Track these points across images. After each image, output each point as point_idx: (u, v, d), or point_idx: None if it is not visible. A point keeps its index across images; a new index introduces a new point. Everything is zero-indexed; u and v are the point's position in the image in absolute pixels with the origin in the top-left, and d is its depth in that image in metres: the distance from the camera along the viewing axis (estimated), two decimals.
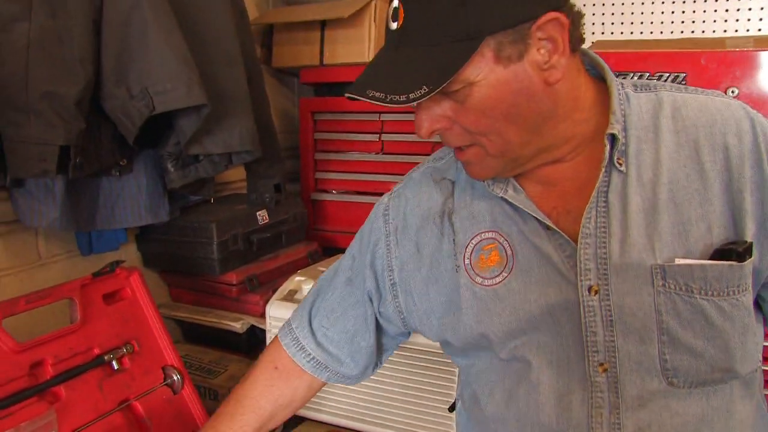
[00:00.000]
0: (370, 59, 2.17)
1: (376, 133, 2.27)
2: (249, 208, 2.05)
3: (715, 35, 2.25)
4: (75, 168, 1.50)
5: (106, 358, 1.45)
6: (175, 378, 1.56)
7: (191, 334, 2.15)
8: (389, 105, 0.89)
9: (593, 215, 0.98)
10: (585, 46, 1.05)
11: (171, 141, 1.66)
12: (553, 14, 0.90)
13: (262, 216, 2.05)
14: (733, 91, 1.69)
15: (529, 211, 1.02)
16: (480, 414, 1.13)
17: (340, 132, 2.34)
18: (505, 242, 1.04)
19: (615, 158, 0.98)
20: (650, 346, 0.96)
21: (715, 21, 2.26)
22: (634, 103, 1.03)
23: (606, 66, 1.05)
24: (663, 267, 0.95)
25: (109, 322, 1.50)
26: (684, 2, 2.26)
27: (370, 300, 1.22)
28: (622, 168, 0.99)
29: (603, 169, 0.98)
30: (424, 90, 0.87)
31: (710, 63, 1.73)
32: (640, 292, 0.96)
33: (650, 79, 1.74)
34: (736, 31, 2.23)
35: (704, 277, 0.94)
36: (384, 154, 2.28)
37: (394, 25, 0.94)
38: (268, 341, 1.79)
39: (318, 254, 2.30)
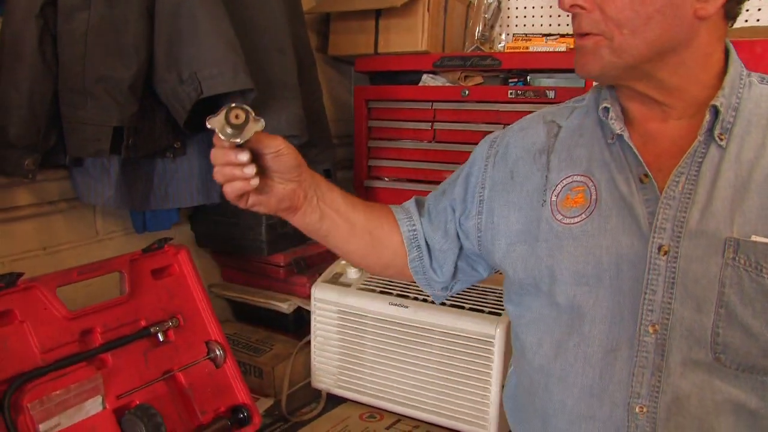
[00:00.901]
0: (423, 48, 2.21)
1: (429, 121, 2.29)
2: None
3: (760, 23, 2.18)
4: (128, 148, 1.58)
5: (152, 330, 1.53)
6: (218, 352, 1.63)
7: (241, 313, 2.23)
8: None
9: (682, 180, 0.99)
10: None
11: None
12: None
13: None
14: None
15: (638, 156, 1.03)
16: (527, 366, 1.16)
17: (394, 120, 2.37)
18: (593, 187, 1.07)
19: (716, 133, 0.99)
20: (705, 316, 0.96)
21: (758, 9, 2.18)
22: (756, 92, 1.03)
23: (734, 51, 1.06)
24: (737, 240, 0.95)
25: (156, 295, 1.58)
26: None
27: (453, 210, 1.26)
28: (723, 143, 0.99)
29: (699, 138, 0.99)
30: None
31: (766, 52, 1.70)
32: (709, 261, 0.96)
33: None
34: None
35: None
36: (436, 142, 2.29)
37: None
38: (313, 322, 1.85)
39: None
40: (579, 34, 1.03)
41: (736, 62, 1.04)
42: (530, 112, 2.07)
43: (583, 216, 1.06)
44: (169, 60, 1.56)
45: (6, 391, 1.26)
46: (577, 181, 1.09)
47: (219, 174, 1.04)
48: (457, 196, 1.26)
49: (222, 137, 0.97)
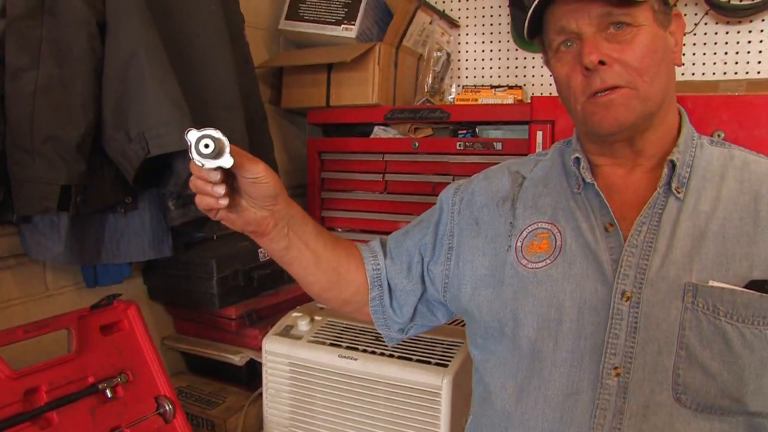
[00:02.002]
0: (374, 101, 2.26)
1: (380, 173, 2.34)
2: (251, 244, 2.11)
3: (714, 77, 2.28)
4: (76, 206, 1.59)
5: (100, 386, 1.53)
6: (167, 408, 1.63)
7: (195, 365, 2.22)
8: None
9: (644, 230, 1.05)
10: None
11: (171, 181, 1.74)
12: (679, 12, 1.12)
13: (264, 253, 2.11)
14: (719, 135, 1.71)
15: (606, 205, 1.09)
16: (490, 410, 1.18)
17: (346, 171, 2.42)
18: (558, 234, 1.12)
19: (674, 186, 1.06)
20: (667, 358, 1.00)
21: (714, 63, 2.29)
22: (707, 152, 1.12)
23: (685, 112, 1.17)
24: (696, 286, 1.00)
25: (105, 352, 1.58)
26: (683, 45, 2.29)
27: (421, 255, 1.29)
28: (680, 196, 1.06)
29: (658, 190, 1.06)
30: None
31: (697, 107, 1.76)
32: (669, 306, 1.01)
33: None
34: (735, 73, 2.26)
35: (733, 302, 0.99)
36: (387, 193, 2.34)
37: None
38: (264, 375, 1.85)
39: None
40: (602, 90, 1.06)
41: (687, 124, 1.14)
42: (479, 163, 2.15)
43: (548, 261, 1.11)
44: (117, 119, 1.58)
45: None
46: (542, 227, 1.14)
47: (192, 184, 1.03)
48: (427, 242, 1.29)
49: (194, 159, 0.96)
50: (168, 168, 1.72)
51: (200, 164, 0.96)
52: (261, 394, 1.91)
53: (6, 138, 1.52)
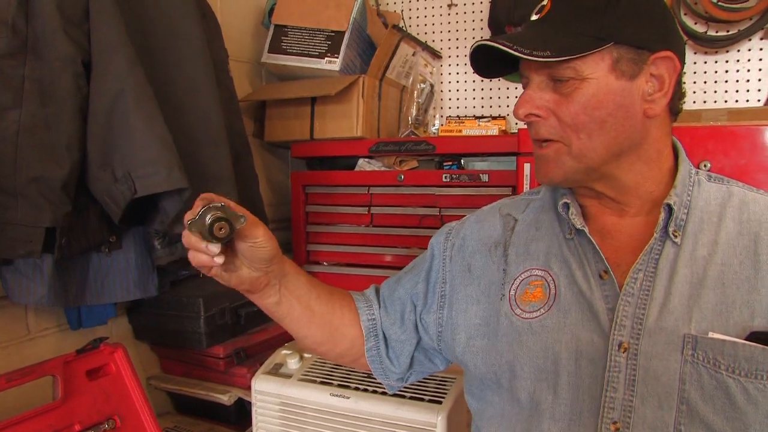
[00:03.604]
0: (359, 134, 2.25)
1: (366, 206, 2.32)
2: None
3: (695, 106, 2.30)
4: (61, 248, 1.56)
5: None
6: None
7: (182, 405, 2.18)
8: (515, 54, 0.98)
9: (640, 277, 1.02)
10: None
11: (157, 220, 1.71)
12: (670, 53, 1.01)
13: None
14: (705, 165, 1.72)
15: (599, 252, 1.05)
16: None
17: (331, 205, 2.40)
18: (552, 282, 1.09)
19: (671, 230, 1.03)
20: (667, 413, 0.96)
21: (694, 92, 2.32)
22: (705, 189, 1.08)
23: (681, 146, 1.12)
24: (695, 337, 0.97)
25: (91, 397, 1.54)
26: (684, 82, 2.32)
27: (414, 304, 1.26)
28: (677, 240, 1.03)
29: (655, 235, 1.03)
30: (548, 54, 0.97)
31: (683, 137, 1.75)
32: (668, 358, 0.97)
33: None
34: (715, 102, 2.29)
35: (734, 355, 0.95)
36: (373, 226, 2.32)
37: (535, 17, 1.05)
38: (254, 414, 1.82)
39: None
40: (538, 142, 1.07)
41: (685, 160, 1.10)
42: (465, 195, 2.14)
43: (543, 311, 1.08)
44: (103, 159, 1.56)
45: None
46: (535, 275, 1.11)
47: (186, 240, 1.00)
48: (419, 291, 1.26)
49: (199, 241, 0.94)
50: (154, 206, 1.69)
51: (214, 246, 0.94)
52: None
53: None
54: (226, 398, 1.99)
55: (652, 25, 1.01)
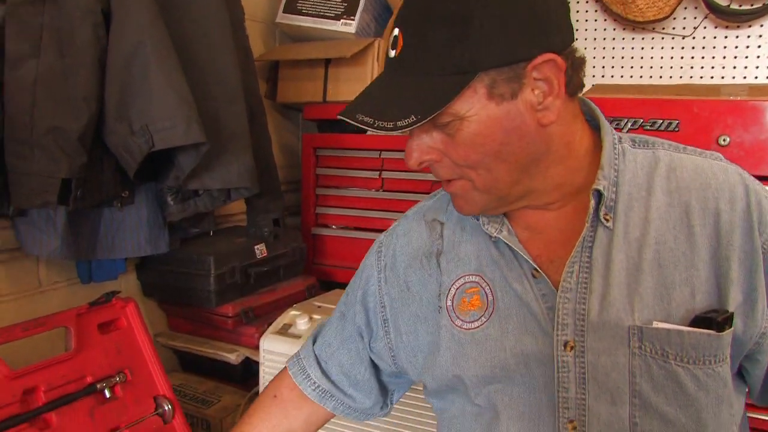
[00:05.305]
0: None
1: (377, 170, 2.31)
2: (248, 241, 2.09)
3: (713, 81, 2.29)
4: (76, 200, 1.55)
5: (98, 386, 1.48)
6: (166, 408, 1.59)
7: (188, 363, 2.18)
8: (377, 131, 0.89)
9: (575, 269, 0.97)
10: (585, 89, 1.05)
11: (171, 175, 1.70)
12: (549, 56, 0.90)
13: (261, 250, 2.08)
14: (724, 139, 1.71)
15: (522, 254, 1.00)
16: None
17: (342, 168, 2.39)
18: (488, 287, 1.04)
19: (601, 214, 0.97)
20: (621, 408, 0.94)
21: (713, 67, 2.29)
22: (630, 159, 1.02)
23: (603, 118, 1.04)
24: (641, 329, 0.93)
25: (103, 351, 1.54)
26: (683, 48, 2.30)
27: (361, 336, 1.22)
28: (609, 224, 0.97)
29: (588, 224, 0.97)
30: (412, 119, 0.87)
31: (702, 111, 1.76)
32: (616, 353, 0.94)
33: (644, 126, 1.77)
34: (733, 78, 2.27)
35: (681, 344, 0.92)
36: (384, 191, 2.31)
37: (392, 53, 0.94)
38: (261, 374, 1.82)
39: (316, 288, 2.33)
40: (443, 181, 1.01)
41: (608, 132, 1.02)
42: None
43: (483, 319, 1.03)
44: (120, 111, 1.54)
45: None
46: (470, 281, 1.06)
47: None
48: (359, 322, 1.21)
49: None
50: (169, 162, 1.68)
51: None
52: (257, 393, 1.87)
53: (4, 129, 1.47)
54: (233, 357, 1.99)
55: (519, 32, 0.88)
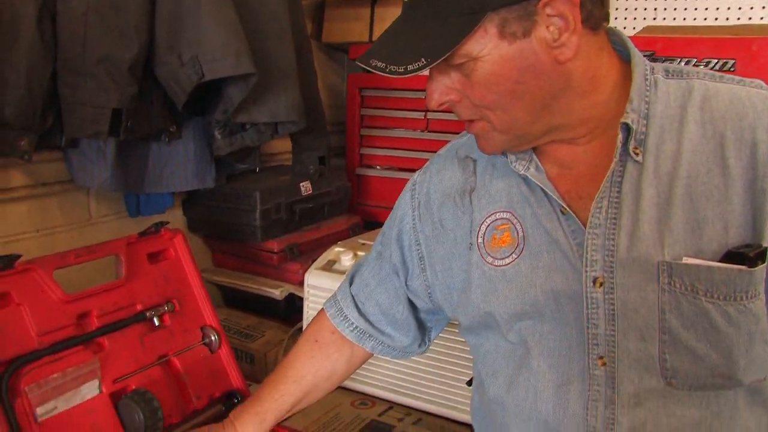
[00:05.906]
0: None
1: (422, 111, 2.29)
2: (293, 178, 2.10)
3: (728, 23, 2.19)
4: (126, 131, 1.57)
5: (147, 314, 1.51)
6: (212, 338, 1.62)
7: (232, 298, 2.22)
8: (388, 75, 0.90)
9: (604, 205, 0.95)
10: (635, 31, 1.01)
11: (219, 109, 1.71)
12: None
13: (306, 187, 2.09)
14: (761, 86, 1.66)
15: (548, 191, 0.99)
16: (484, 395, 1.14)
17: (387, 109, 2.38)
18: (518, 224, 1.03)
19: (631, 148, 0.95)
20: (651, 345, 0.93)
21: (729, 9, 2.19)
22: (662, 90, 0.98)
23: (634, 48, 1.00)
24: (670, 264, 0.92)
25: (152, 280, 1.56)
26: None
27: (397, 274, 1.23)
28: (639, 158, 0.95)
29: (616, 158, 0.95)
30: (422, 62, 0.87)
31: (762, 50, 1.70)
32: (645, 289, 0.93)
33: (697, 65, 1.72)
34: (750, 18, 2.17)
35: (711, 279, 0.91)
36: (429, 132, 2.30)
37: None
38: (305, 309, 1.84)
39: (360, 227, 2.34)
40: (464, 121, 1.01)
41: (639, 63, 0.99)
42: None
43: (514, 256, 1.03)
44: (171, 42, 1.55)
45: (3, 374, 1.24)
46: (501, 218, 1.06)
47: None
48: (395, 260, 1.23)
49: None
50: (217, 95, 1.69)
51: None
52: (300, 329, 1.90)
53: (57, 60, 1.49)
54: (278, 292, 2.02)
55: None
